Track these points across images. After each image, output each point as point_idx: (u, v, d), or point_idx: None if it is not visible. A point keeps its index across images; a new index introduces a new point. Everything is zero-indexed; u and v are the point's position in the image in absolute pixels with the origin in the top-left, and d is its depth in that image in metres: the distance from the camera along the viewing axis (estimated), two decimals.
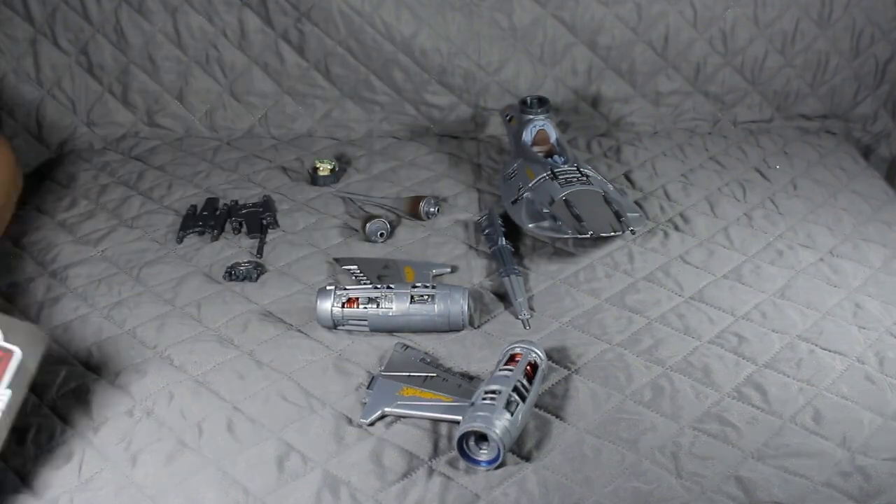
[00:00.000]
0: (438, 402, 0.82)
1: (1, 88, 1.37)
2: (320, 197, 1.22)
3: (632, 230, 1.07)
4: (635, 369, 0.89)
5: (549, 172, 1.11)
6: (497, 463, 0.76)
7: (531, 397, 0.80)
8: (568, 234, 1.04)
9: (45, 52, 1.37)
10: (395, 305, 0.92)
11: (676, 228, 1.14)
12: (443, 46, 1.39)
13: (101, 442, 0.79)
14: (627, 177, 1.28)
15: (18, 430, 0.80)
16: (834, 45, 1.43)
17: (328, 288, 0.94)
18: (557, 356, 0.90)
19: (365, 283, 0.98)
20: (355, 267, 1.03)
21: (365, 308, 0.92)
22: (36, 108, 1.38)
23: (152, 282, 1.03)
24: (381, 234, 1.11)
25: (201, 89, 1.40)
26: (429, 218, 1.16)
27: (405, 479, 0.76)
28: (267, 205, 1.19)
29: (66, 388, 0.86)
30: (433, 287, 0.94)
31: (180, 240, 1.11)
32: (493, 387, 0.79)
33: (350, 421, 0.82)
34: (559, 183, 1.09)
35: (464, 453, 0.76)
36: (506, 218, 1.12)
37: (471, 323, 0.94)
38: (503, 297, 1.00)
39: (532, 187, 1.10)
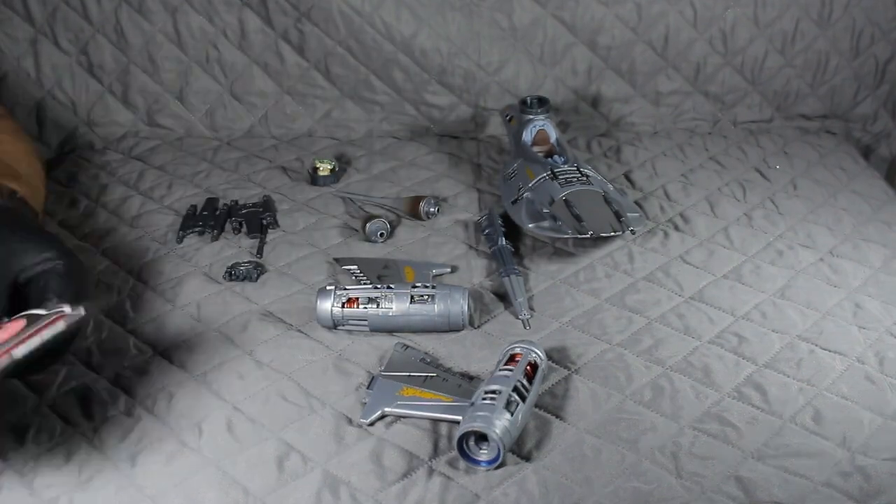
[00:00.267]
0: (438, 402, 0.82)
1: (1, 88, 1.37)
2: (320, 197, 1.22)
3: (632, 230, 1.07)
4: (635, 369, 0.89)
5: (549, 172, 1.11)
6: (497, 463, 0.76)
7: (531, 397, 0.80)
8: (568, 234, 1.04)
9: (45, 52, 1.37)
10: (395, 305, 0.92)
11: (676, 228, 1.15)
12: (443, 46, 1.39)
13: (100, 441, 0.79)
14: (627, 177, 1.28)
15: (18, 430, 0.80)
16: (834, 45, 1.43)
17: (328, 288, 0.94)
18: (557, 356, 0.90)
19: (365, 283, 0.98)
20: (355, 267, 1.03)
21: (365, 308, 0.92)
22: (36, 108, 1.38)
23: (152, 281, 1.03)
24: (381, 234, 1.11)
25: (201, 89, 1.40)
26: (429, 218, 1.16)
27: (405, 479, 0.76)
28: (267, 205, 1.19)
29: (65, 388, 0.86)
30: (433, 287, 0.94)
31: (180, 240, 1.11)
32: (493, 387, 0.79)
33: (350, 421, 0.82)
34: (559, 183, 1.09)
35: (464, 453, 0.76)
36: (506, 218, 1.12)
37: (471, 323, 0.94)
38: (503, 297, 1.00)
39: (532, 187, 1.10)
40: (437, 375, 0.86)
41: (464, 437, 0.76)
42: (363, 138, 1.40)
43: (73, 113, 1.39)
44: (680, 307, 0.99)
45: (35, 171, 1.06)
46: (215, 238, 1.12)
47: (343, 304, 0.93)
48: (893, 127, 1.49)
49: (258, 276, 1.04)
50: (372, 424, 0.81)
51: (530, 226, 1.07)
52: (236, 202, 1.20)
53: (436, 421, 0.81)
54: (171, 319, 0.97)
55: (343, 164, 1.31)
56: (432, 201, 1.17)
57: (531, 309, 0.98)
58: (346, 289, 0.94)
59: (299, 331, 0.94)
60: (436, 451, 0.79)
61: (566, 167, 1.12)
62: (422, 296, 0.93)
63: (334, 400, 0.85)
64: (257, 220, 1.15)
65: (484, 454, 0.76)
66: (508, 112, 1.28)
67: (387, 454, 0.78)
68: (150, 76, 1.39)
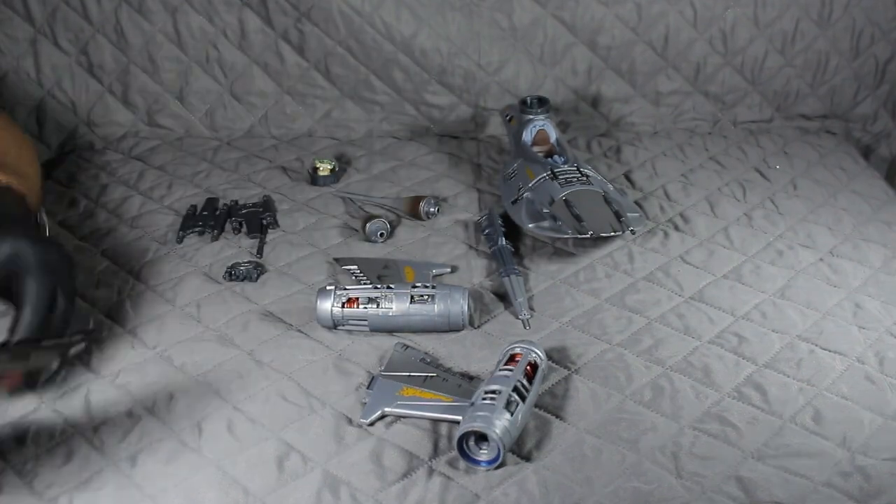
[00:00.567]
0: (438, 402, 0.82)
1: (1, 88, 1.36)
2: (320, 197, 1.22)
3: (632, 230, 1.07)
4: (635, 369, 0.89)
5: (549, 172, 1.11)
6: (497, 463, 0.76)
7: (531, 397, 0.80)
8: (568, 234, 1.03)
9: (45, 52, 1.37)
10: (395, 305, 0.92)
11: (676, 228, 1.14)
12: (443, 46, 1.39)
13: (100, 441, 0.79)
14: (627, 177, 1.28)
15: (18, 429, 0.80)
16: (834, 45, 1.43)
17: (328, 288, 0.94)
18: (557, 356, 0.90)
19: (365, 283, 0.98)
20: (355, 267, 1.03)
21: (365, 308, 0.92)
22: (36, 108, 1.38)
23: (152, 281, 1.03)
24: (382, 234, 1.11)
25: (201, 89, 1.40)
26: (429, 218, 1.16)
27: (405, 479, 0.76)
28: (267, 205, 1.19)
29: (66, 388, 0.86)
30: (433, 287, 0.94)
31: (180, 240, 1.11)
32: (493, 387, 0.79)
33: (350, 421, 0.82)
34: (559, 183, 1.09)
35: (464, 453, 0.76)
36: (506, 218, 1.12)
37: (471, 323, 0.94)
38: (503, 297, 1.00)
39: (532, 187, 1.10)
40: (437, 375, 0.86)
41: (464, 437, 0.76)
42: (363, 138, 1.40)
43: (73, 113, 1.39)
44: (680, 307, 0.99)
45: (26, 160, 1.03)
46: (215, 238, 1.12)
47: (343, 304, 0.93)
48: (893, 127, 1.49)
49: (258, 276, 1.04)
50: (372, 424, 0.81)
51: (530, 226, 1.07)
52: (236, 202, 1.20)
53: (436, 421, 0.81)
54: (171, 319, 0.97)
55: (343, 164, 1.31)
56: (432, 201, 1.17)
57: (531, 309, 0.97)
58: (346, 289, 0.94)
59: (299, 331, 0.94)
60: (436, 451, 0.78)
61: (566, 167, 1.12)
62: (422, 296, 0.93)
63: (334, 400, 0.85)
64: (257, 220, 1.14)
65: (484, 454, 0.76)
66: (508, 112, 1.28)
67: (387, 454, 0.78)
68: (150, 76, 1.39)
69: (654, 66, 1.43)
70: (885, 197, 1.24)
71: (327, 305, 0.93)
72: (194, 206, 1.18)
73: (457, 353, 0.91)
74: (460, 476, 0.76)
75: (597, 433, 0.80)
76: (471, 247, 1.10)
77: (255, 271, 1.04)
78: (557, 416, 0.82)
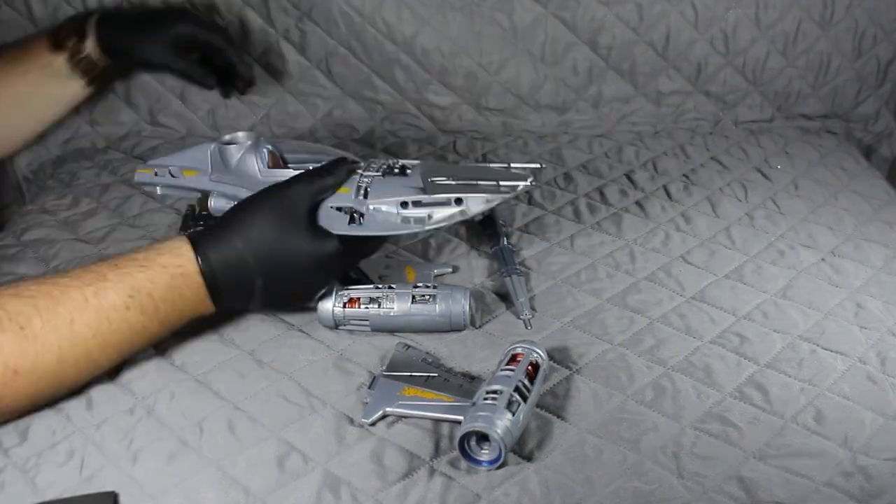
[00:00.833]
0: (440, 403, 0.82)
1: None
2: None
3: (532, 181, 0.93)
4: (637, 369, 0.89)
5: (367, 167, 0.96)
6: (499, 463, 0.76)
7: (532, 397, 0.80)
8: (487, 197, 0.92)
9: None
10: (397, 305, 0.92)
11: (678, 228, 1.14)
12: (444, 46, 1.39)
13: (102, 440, 0.79)
14: (629, 177, 1.28)
15: (19, 428, 0.80)
16: (836, 45, 1.43)
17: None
18: (559, 356, 0.90)
19: (366, 284, 0.98)
20: (357, 267, 1.02)
21: (366, 308, 0.92)
22: None
23: None
24: None
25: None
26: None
27: (406, 478, 0.76)
28: None
29: None
30: (434, 287, 0.93)
31: None
32: (495, 387, 0.79)
33: (351, 421, 0.82)
34: (390, 172, 0.95)
35: (465, 453, 0.76)
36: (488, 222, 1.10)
37: (472, 323, 0.94)
38: (505, 297, 1.00)
39: (371, 195, 0.93)
40: (438, 376, 0.86)
41: (465, 438, 0.76)
42: (365, 138, 1.40)
43: (76, 112, 1.39)
44: (681, 307, 0.99)
45: None
46: None
47: (344, 304, 0.93)
48: (895, 127, 1.49)
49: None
50: (374, 424, 0.81)
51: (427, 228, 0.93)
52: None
53: (437, 421, 0.81)
54: None
55: None
56: None
57: (533, 309, 0.97)
58: (347, 289, 0.94)
59: (300, 330, 0.94)
60: (437, 451, 0.78)
61: (372, 163, 0.98)
62: (423, 296, 0.93)
63: (335, 400, 0.85)
64: None
65: (486, 454, 0.76)
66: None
67: (388, 454, 0.78)
68: (151, 75, 1.39)
69: (655, 66, 1.43)
70: (886, 197, 1.24)
71: (329, 305, 0.93)
72: (192, 206, 1.18)
73: (458, 353, 0.91)
74: (461, 476, 0.76)
75: (598, 433, 0.80)
76: (472, 247, 1.10)
77: None
78: (559, 416, 0.82)
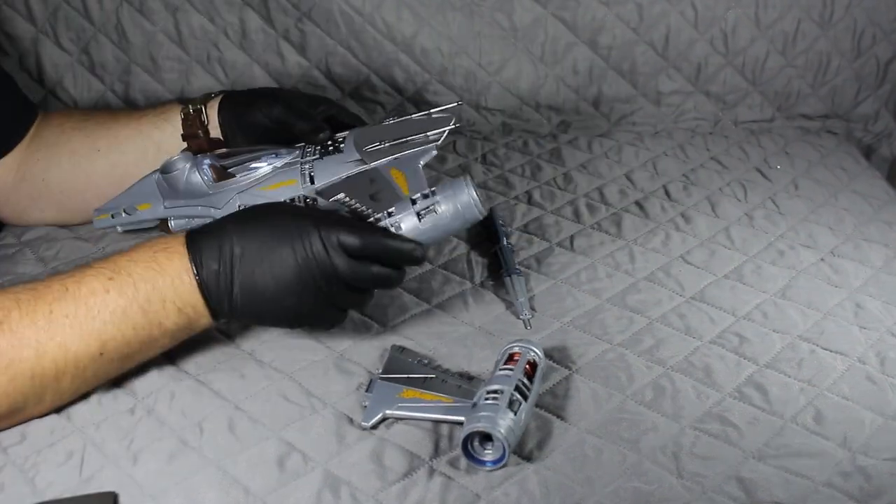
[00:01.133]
0: (440, 404, 0.82)
1: None
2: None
3: (455, 123, 0.98)
4: (636, 369, 0.89)
5: (302, 157, 0.98)
6: (503, 463, 0.76)
7: (533, 396, 0.80)
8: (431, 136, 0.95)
9: (46, 52, 1.37)
10: (405, 228, 0.87)
11: (677, 228, 1.15)
12: (444, 46, 1.39)
13: (102, 440, 0.79)
14: (628, 177, 1.28)
15: (18, 427, 0.80)
16: (835, 45, 1.43)
17: None
18: (558, 356, 0.90)
19: (361, 211, 0.91)
20: (342, 195, 0.93)
21: None
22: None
23: None
24: None
25: (203, 88, 1.40)
26: None
27: (406, 478, 0.76)
28: None
29: None
30: (432, 192, 0.88)
31: None
32: (495, 386, 0.79)
33: (351, 421, 0.82)
34: (327, 152, 0.97)
35: (468, 454, 0.76)
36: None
37: (483, 209, 0.88)
38: (505, 297, 1.00)
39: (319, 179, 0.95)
40: (436, 377, 0.86)
41: (468, 438, 0.76)
42: None
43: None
44: (681, 307, 0.99)
45: None
46: None
47: None
48: (895, 127, 1.49)
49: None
50: (375, 428, 0.81)
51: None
52: None
53: (439, 422, 0.81)
54: None
55: None
56: None
57: (532, 309, 0.97)
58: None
59: (301, 330, 0.94)
60: (437, 451, 0.78)
61: (307, 149, 1.00)
62: (426, 208, 0.87)
63: (335, 400, 0.85)
64: None
65: (489, 454, 0.76)
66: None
67: (388, 454, 0.78)
68: (151, 75, 1.39)
69: (655, 66, 1.43)
70: (886, 197, 1.25)
71: None
72: None
73: (459, 353, 0.91)
74: (461, 476, 0.76)
75: (598, 433, 0.80)
76: (472, 247, 1.10)
77: None
78: (558, 416, 0.82)
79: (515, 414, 0.77)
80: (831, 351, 0.92)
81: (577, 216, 1.18)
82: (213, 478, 0.75)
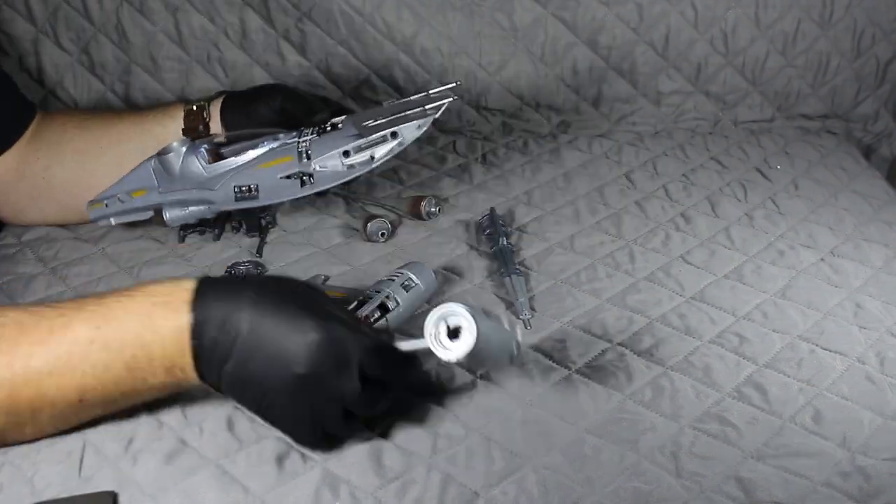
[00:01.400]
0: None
1: None
2: (321, 196, 1.22)
3: (454, 97, 1.04)
4: (636, 369, 0.89)
5: (300, 135, 1.02)
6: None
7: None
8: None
9: (46, 52, 1.37)
10: (401, 301, 0.90)
11: (677, 228, 1.15)
12: (444, 46, 1.39)
13: (101, 440, 0.79)
14: (628, 177, 1.28)
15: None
16: (835, 45, 1.44)
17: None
18: (558, 356, 0.90)
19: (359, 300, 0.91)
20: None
21: (377, 316, 0.89)
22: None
23: None
24: (383, 234, 1.11)
25: (203, 88, 1.40)
26: (430, 218, 1.16)
27: (404, 476, 0.75)
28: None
29: None
30: (400, 272, 0.94)
31: (182, 238, 1.11)
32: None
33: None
34: (324, 132, 1.02)
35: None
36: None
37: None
38: (505, 297, 1.00)
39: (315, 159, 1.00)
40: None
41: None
42: None
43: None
44: (681, 307, 0.99)
45: None
46: (217, 237, 1.12)
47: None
48: (894, 127, 1.49)
49: (258, 275, 1.04)
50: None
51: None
52: None
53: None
54: None
55: None
56: (433, 201, 1.17)
57: (532, 309, 0.97)
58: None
59: None
60: (435, 450, 0.78)
61: (298, 138, 1.03)
62: (408, 281, 0.92)
63: None
64: (257, 219, 1.14)
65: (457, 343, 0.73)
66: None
67: (386, 453, 0.78)
68: (151, 75, 1.39)
69: (655, 66, 1.43)
70: (886, 197, 1.25)
71: None
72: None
73: None
74: (459, 474, 0.76)
75: (597, 433, 0.80)
76: (472, 247, 1.10)
77: (256, 271, 1.04)
78: (558, 416, 0.82)
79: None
80: (831, 351, 0.91)
81: (577, 216, 1.18)
82: (212, 477, 0.75)
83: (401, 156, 1.33)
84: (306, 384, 0.71)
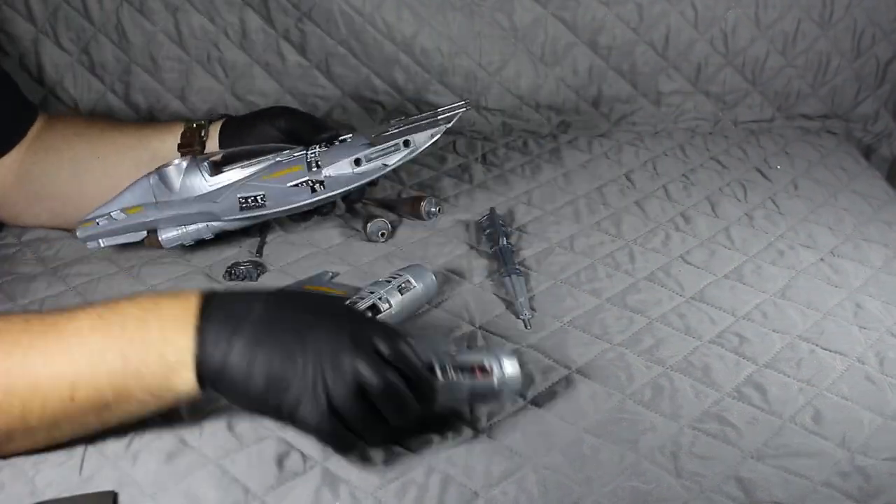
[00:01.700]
0: None
1: None
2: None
3: (468, 106, 1.06)
4: (636, 369, 0.89)
5: (305, 151, 1.01)
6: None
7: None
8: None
9: (46, 52, 1.37)
10: (394, 303, 0.91)
11: (677, 228, 1.15)
12: (444, 46, 1.40)
13: (101, 439, 0.79)
14: (628, 177, 1.28)
15: None
16: (835, 45, 1.44)
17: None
18: (558, 356, 0.90)
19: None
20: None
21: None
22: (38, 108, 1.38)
23: (152, 281, 1.03)
24: (383, 234, 1.11)
25: (203, 88, 1.40)
26: (430, 218, 1.16)
27: (404, 476, 0.75)
28: None
29: None
30: (399, 273, 0.94)
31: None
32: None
33: None
34: (332, 144, 1.01)
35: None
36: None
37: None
38: (505, 297, 1.00)
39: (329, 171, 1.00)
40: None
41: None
42: None
43: (76, 112, 1.39)
44: (681, 307, 0.99)
45: None
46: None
47: None
48: (894, 127, 1.49)
49: (258, 275, 1.04)
50: None
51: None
52: None
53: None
54: None
55: None
56: (433, 201, 1.17)
57: (532, 309, 0.97)
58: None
59: None
60: (435, 450, 0.78)
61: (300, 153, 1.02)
62: (404, 283, 0.93)
63: None
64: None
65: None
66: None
67: (386, 452, 0.78)
68: (151, 75, 1.39)
69: (655, 66, 1.43)
70: (885, 197, 1.25)
71: None
72: None
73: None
74: (459, 474, 0.76)
75: (596, 433, 0.80)
76: (472, 247, 1.10)
77: (256, 271, 1.04)
78: (557, 416, 0.82)
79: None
80: (831, 351, 0.92)
81: (577, 216, 1.18)
82: (212, 477, 0.75)
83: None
84: (324, 340, 0.71)
